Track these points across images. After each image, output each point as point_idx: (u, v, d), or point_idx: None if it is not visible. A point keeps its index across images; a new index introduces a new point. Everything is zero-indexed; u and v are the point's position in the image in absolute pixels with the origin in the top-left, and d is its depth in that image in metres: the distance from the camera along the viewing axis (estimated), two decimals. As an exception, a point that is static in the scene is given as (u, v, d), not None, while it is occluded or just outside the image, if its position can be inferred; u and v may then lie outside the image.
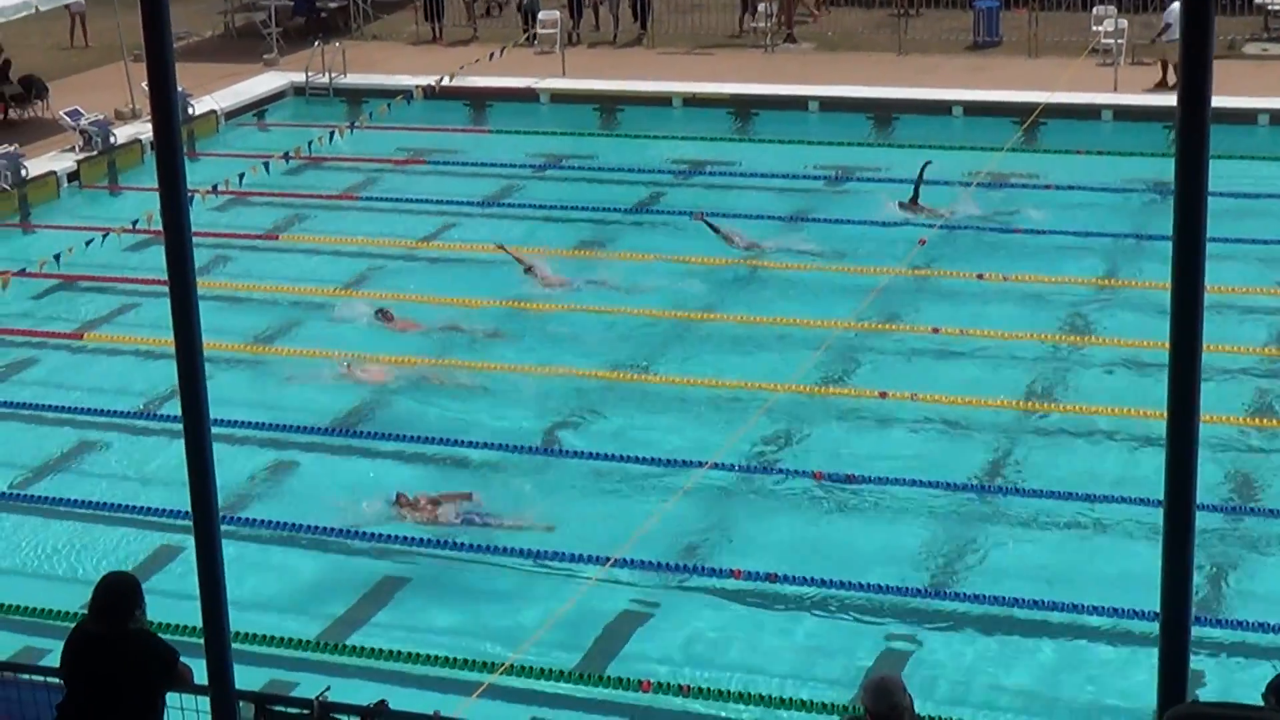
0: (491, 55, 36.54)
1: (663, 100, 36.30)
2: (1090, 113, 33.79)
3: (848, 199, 29.47)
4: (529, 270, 25.84)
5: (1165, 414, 8.13)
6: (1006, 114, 32.75)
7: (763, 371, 22.19)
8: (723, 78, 37.21)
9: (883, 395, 21.35)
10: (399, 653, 15.94)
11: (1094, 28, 37.24)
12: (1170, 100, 8.50)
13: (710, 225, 27.39)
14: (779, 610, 16.82)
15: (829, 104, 35.36)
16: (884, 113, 34.81)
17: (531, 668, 15.57)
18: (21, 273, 25.74)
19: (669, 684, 15.31)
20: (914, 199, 28.21)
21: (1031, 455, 19.99)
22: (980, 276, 25.26)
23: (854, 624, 16.58)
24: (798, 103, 35.59)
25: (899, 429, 20.74)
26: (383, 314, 24.38)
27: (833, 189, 30.37)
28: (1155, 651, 8.57)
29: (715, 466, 19.16)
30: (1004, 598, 16.54)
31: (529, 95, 37.33)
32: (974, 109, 34.32)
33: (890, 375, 22.16)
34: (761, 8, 40.86)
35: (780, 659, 16.06)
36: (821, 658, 16.11)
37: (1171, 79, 34.82)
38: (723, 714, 15.08)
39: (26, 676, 11.34)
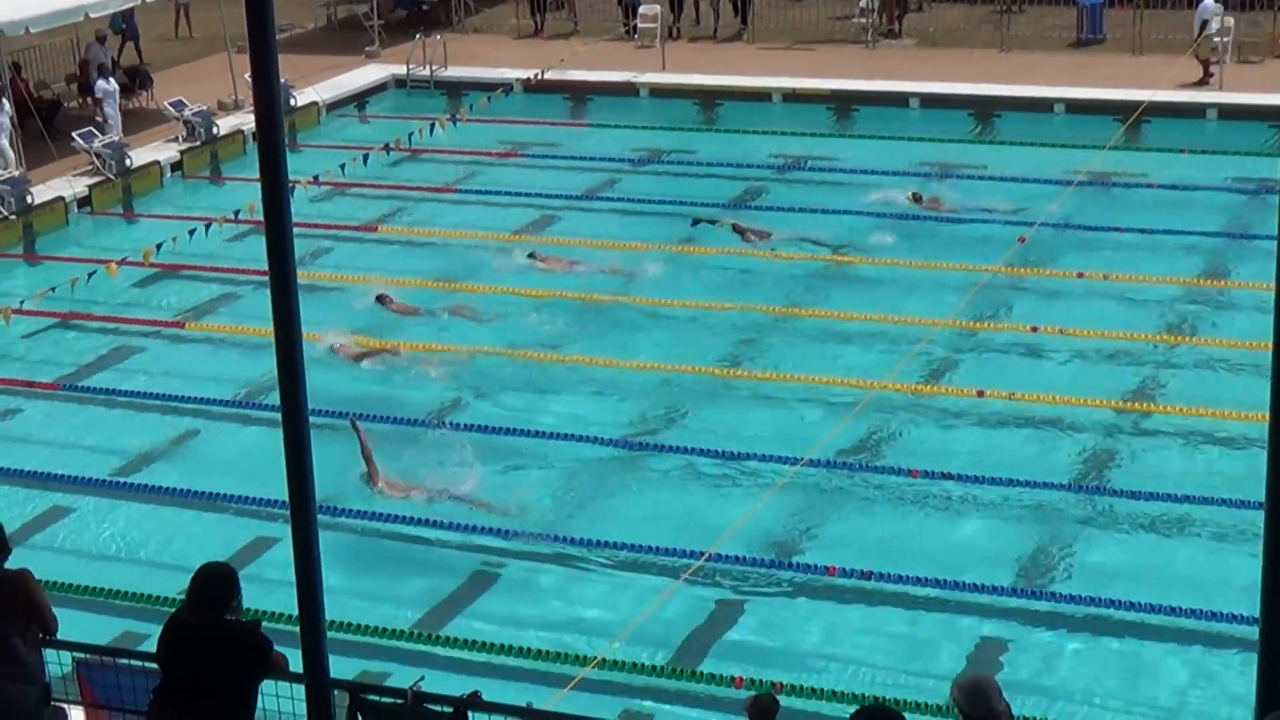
0: (584, 44, 36.54)
1: (763, 95, 36.21)
2: (1194, 111, 33.45)
3: (948, 196, 29.27)
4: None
5: (1267, 415, 8.04)
6: (1109, 112, 32.46)
7: (860, 368, 22.11)
8: (823, 73, 37.05)
9: (980, 394, 21.22)
10: (492, 644, 16.01)
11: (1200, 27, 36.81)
12: (1242, 98, 8.39)
13: (737, 229, 27.58)
14: (873, 608, 16.76)
15: (930, 100, 35.17)
16: (985, 110, 34.57)
17: (624, 662, 15.59)
18: (124, 261, 25.98)
19: (761, 680, 15.27)
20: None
21: (1130, 456, 19.83)
22: (1080, 275, 25.06)
23: (947, 622, 16.50)
24: (898, 99, 35.40)
25: (996, 427, 20.62)
26: (382, 299, 24.59)
27: (933, 186, 30.17)
28: (1254, 656, 8.47)
29: (811, 463, 19.09)
30: (1099, 599, 16.41)
31: (629, 89, 37.33)
32: (1076, 107, 34.04)
33: (988, 373, 22.02)
34: (863, 3, 40.67)
35: (873, 656, 16.03)
36: (914, 656, 16.04)
37: (1210, 77, 34.90)
38: (815, 711, 15.04)
39: (125, 661, 11.46)
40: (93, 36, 36.27)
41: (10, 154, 30.76)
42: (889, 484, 19.16)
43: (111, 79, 33.50)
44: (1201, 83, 34.70)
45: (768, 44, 40.65)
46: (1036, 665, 15.82)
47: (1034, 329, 23.27)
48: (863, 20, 40.52)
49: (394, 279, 26.11)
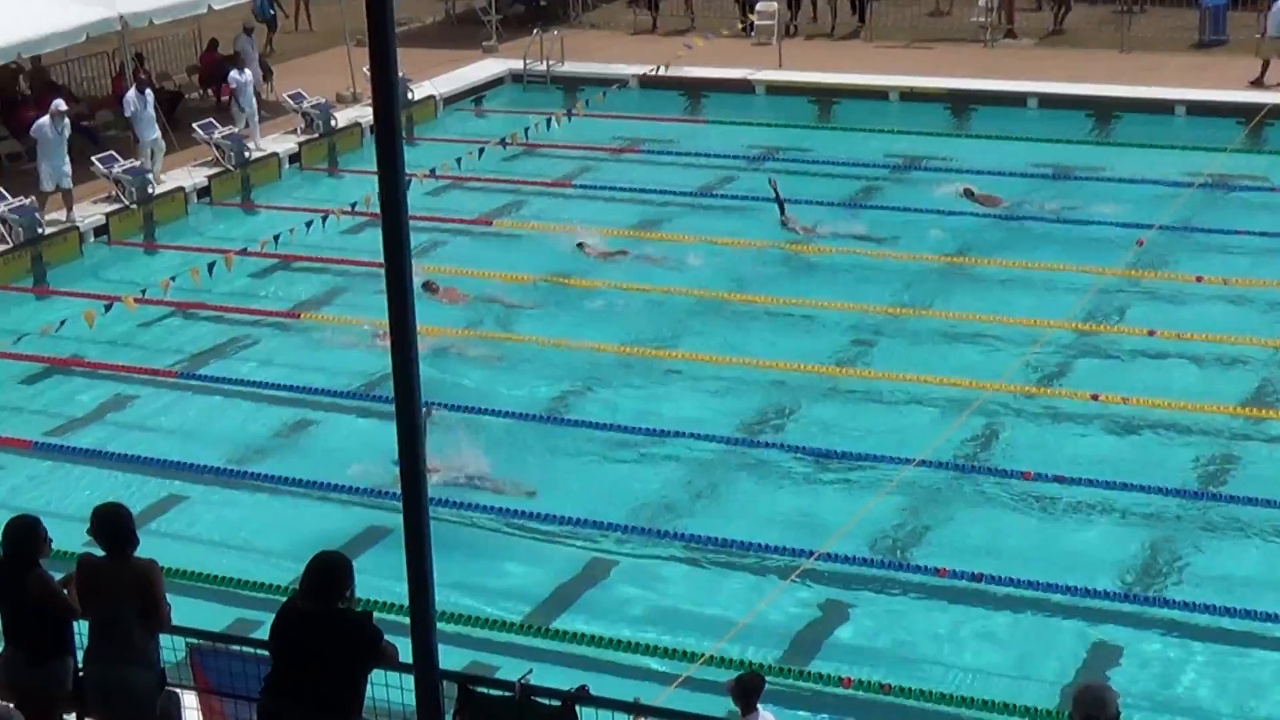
0: (700, 37, 36.45)
1: (879, 94, 36.04)
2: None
3: (1065, 197, 29.05)
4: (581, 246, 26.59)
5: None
6: (1231, 114, 32.11)
7: (974, 369, 21.97)
8: (941, 72, 36.84)
9: (1095, 398, 21.03)
10: (602, 639, 16.02)
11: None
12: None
13: (777, 195, 27.79)
14: (983, 610, 16.65)
15: (1048, 100, 34.86)
16: (1104, 111, 34.24)
17: (732, 659, 15.55)
18: (243, 251, 26.19)
19: (869, 681, 15.22)
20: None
21: (1248, 461, 19.57)
22: (1199, 279, 24.77)
23: (1058, 626, 16.36)
24: (1016, 99, 35.11)
25: (1111, 432, 20.42)
26: (427, 286, 24.61)
27: (1050, 187, 29.92)
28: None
29: (923, 464, 19.00)
30: (1216, 606, 16.21)
31: (745, 86, 37.27)
32: (1197, 109, 33.64)
33: (1104, 377, 21.81)
34: (982, 2, 40.38)
35: (981, 659, 15.92)
36: (1024, 659, 15.93)
37: (1270, 77, 34.45)
38: (922, 712, 14.97)
39: (237, 648, 11.56)
40: (240, 28, 36.51)
41: (159, 145, 31.09)
42: (1002, 486, 19.03)
43: (247, 70, 33.68)
44: (1257, 83, 34.27)
45: (885, 42, 40.47)
46: (1149, 673, 15.66)
47: (1151, 333, 23.04)
48: (981, 19, 40.24)
49: (507, 273, 26.21)
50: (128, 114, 30.84)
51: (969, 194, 28.67)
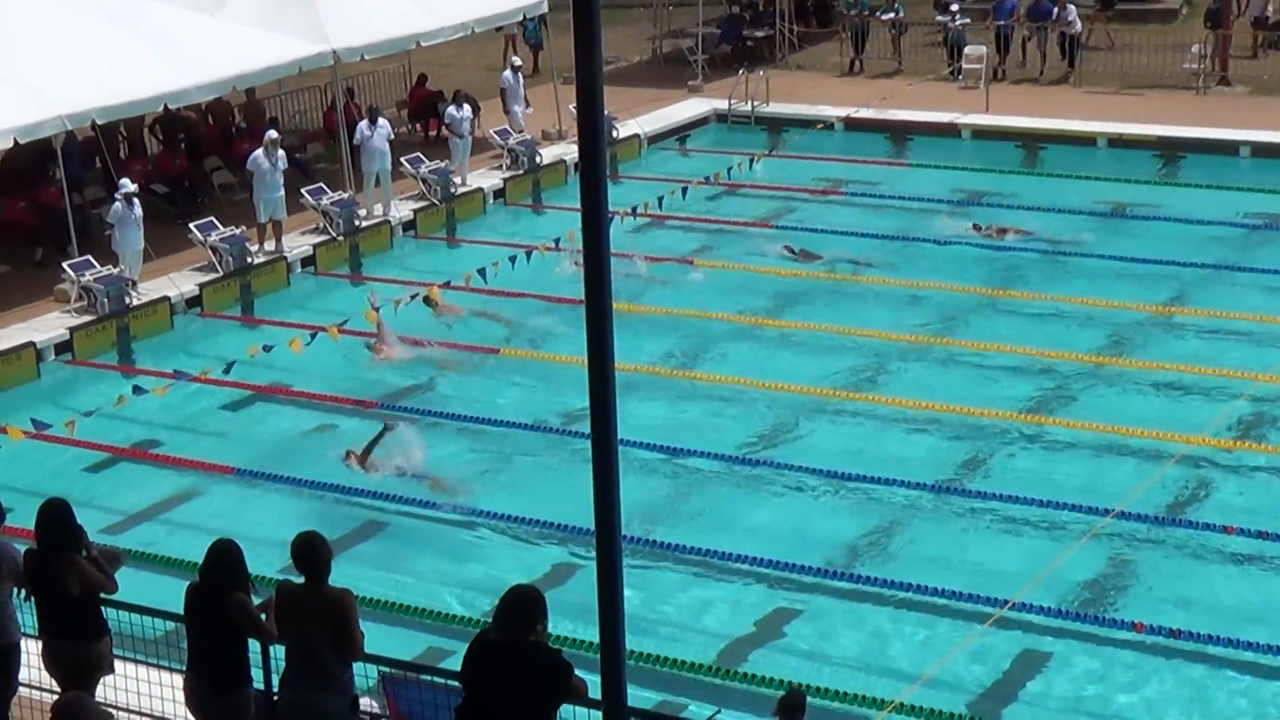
0: (910, 82, 36.37)
1: (1087, 140, 35.65)
2: None
3: (1272, 245, 28.50)
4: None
5: None
6: None
7: (1174, 420, 21.61)
8: (1151, 119, 36.33)
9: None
10: (789, 682, 15.91)
11: None
12: None
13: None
14: (1180, 665, 16.34)
15: (1262, 150, 34.26)
16: (1319, 161, 33.62)
17: (921, 708, 15.40)
18: (447, 285, 26.43)
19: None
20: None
21: None
22: None
23: (1258, 686, 15.98)
24: (1229, 147, 34.55)
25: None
26: (428, 300, 24.98)
27: (1261, 238, 29.38)
28: None
29: (1120, 515, 18.71)
30: None
31: (950, 130, 37.06)
32: None
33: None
34: (1195, 49, 39.78)
35: (1174, 715, 15.60)
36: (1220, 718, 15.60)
37: None
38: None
39: (428, 678, 11.67)
40: (506, 63, 37.13)
41: (386, 175, 31.66)
42: (1202, 540, 18.67)
43: (465, 105, 34.07)
44: None
45: (1094, 88, 39.99)
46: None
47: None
48: (1194, 66, 39.63)
49: (709, 312, 26.25)
50: (355, 142, 31.35)
51: (976, 229, 29.91)
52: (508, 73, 36.45)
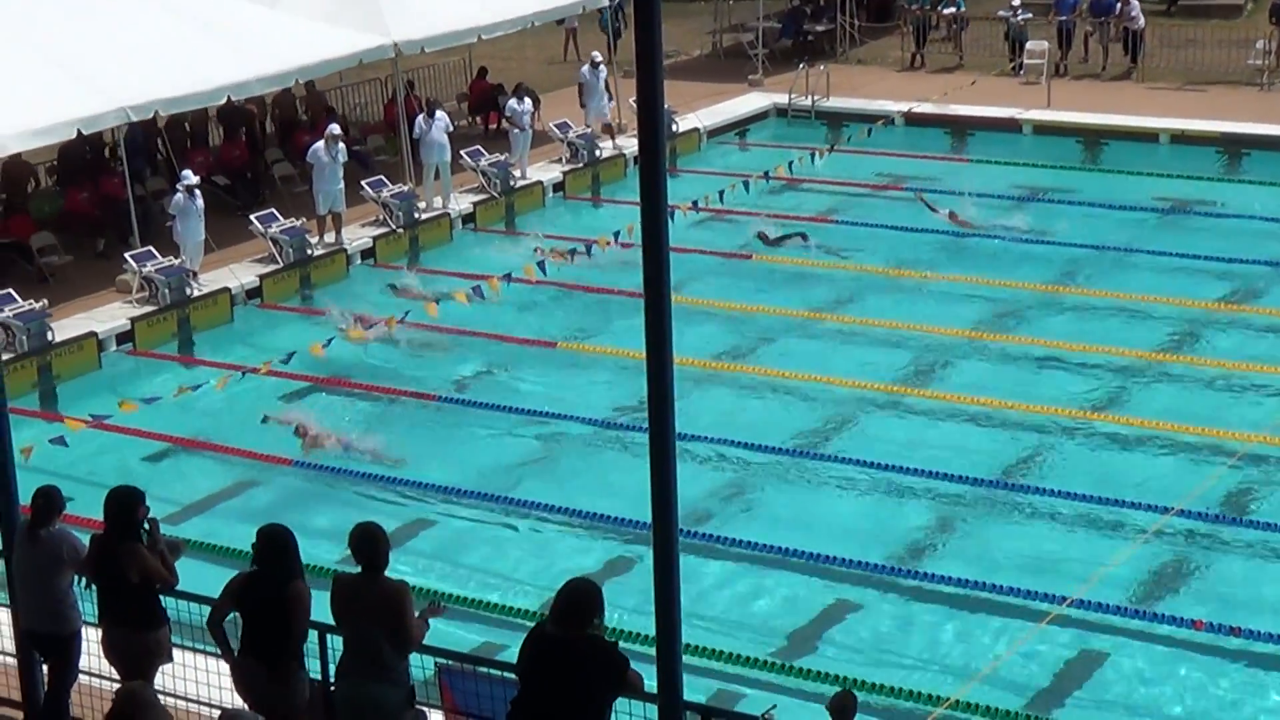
0: (974, 81, 36.23)
1: (1149, 136, 35.45)
2: None
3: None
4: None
5: None
6: None
7: (1236, 420, 21.48)
8: (1214, 115, 36.11)
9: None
10: (845, 678, 15.87)
11: None
12: None
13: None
14: (1240, 665, 16.24)
15: (1326, 146, 34.01)
16: (1384, 157, 33.33)
17: (978, 705, 15.34)
18: (507, 278, 26.44)
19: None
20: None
21: None
22: None
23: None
24: (1293, 143, 34.32)
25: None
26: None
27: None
28: None
29: (1181, 513, 18.60)
30: None
31: (1012, 125, 36.88)
32: None
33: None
34: (1259, 44, 39.49)
35: (1234, 714, 15.50)
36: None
37: None
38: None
39: (485, 670, 11.70)
40: (566, 56, 37.00)
41: (446, 167, 31.75)
42: (1263, 539, 18.55)
43: (527, 99, 34.09)
44: None
45: (1156, 84, 39.74)
46: None
47: None
48: (1258, 62, 39.34)
49: (766, 307, 26.21)
50: (415, 135, 31.43)
51: (953, 218, 29.95)
52: (586, 68, 36.31)
